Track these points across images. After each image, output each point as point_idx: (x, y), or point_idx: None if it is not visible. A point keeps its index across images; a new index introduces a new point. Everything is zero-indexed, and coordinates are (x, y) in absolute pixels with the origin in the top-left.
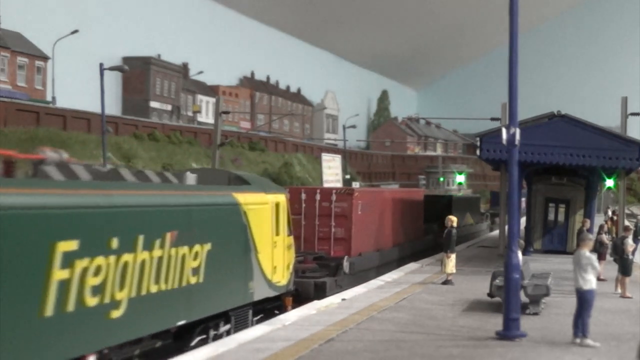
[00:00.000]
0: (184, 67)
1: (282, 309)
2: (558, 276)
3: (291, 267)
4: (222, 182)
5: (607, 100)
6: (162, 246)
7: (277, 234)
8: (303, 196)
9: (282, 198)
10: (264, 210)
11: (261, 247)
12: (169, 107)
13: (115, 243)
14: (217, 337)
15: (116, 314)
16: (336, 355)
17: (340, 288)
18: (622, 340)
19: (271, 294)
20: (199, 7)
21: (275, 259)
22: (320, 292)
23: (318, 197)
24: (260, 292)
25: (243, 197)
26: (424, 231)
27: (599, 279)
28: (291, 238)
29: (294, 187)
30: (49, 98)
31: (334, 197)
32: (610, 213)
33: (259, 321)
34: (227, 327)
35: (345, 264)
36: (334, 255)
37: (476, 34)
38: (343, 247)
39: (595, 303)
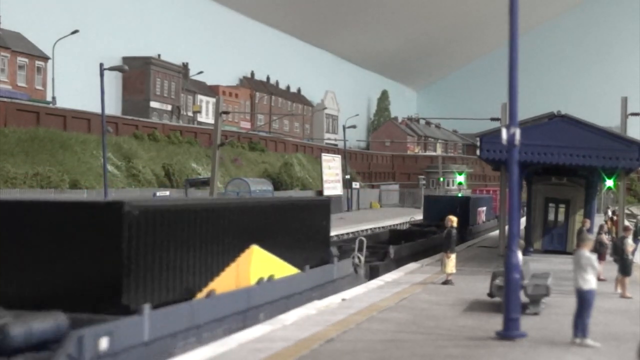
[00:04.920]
0: (184, 67)
1: None
2: (558, 276)
3: None
4: None
5: (607, 100)
6: None
7: None
8: None
9: None
10: None
11: None
12: (169, 107)
13: None
14: None
15: None
16: (336, 355)
17: None
18: (622, 340)
19: None
20: (199, 7)
21: None
22: None
23: None
24: None
25: None
26: None
27: (599, 279)
28: None
29: None
30: (49, 98)
31: None
32: (610, 213)
33: None
34: None
35: None
36: None
37: (476, 34)
38: None
39: (595, 303)
